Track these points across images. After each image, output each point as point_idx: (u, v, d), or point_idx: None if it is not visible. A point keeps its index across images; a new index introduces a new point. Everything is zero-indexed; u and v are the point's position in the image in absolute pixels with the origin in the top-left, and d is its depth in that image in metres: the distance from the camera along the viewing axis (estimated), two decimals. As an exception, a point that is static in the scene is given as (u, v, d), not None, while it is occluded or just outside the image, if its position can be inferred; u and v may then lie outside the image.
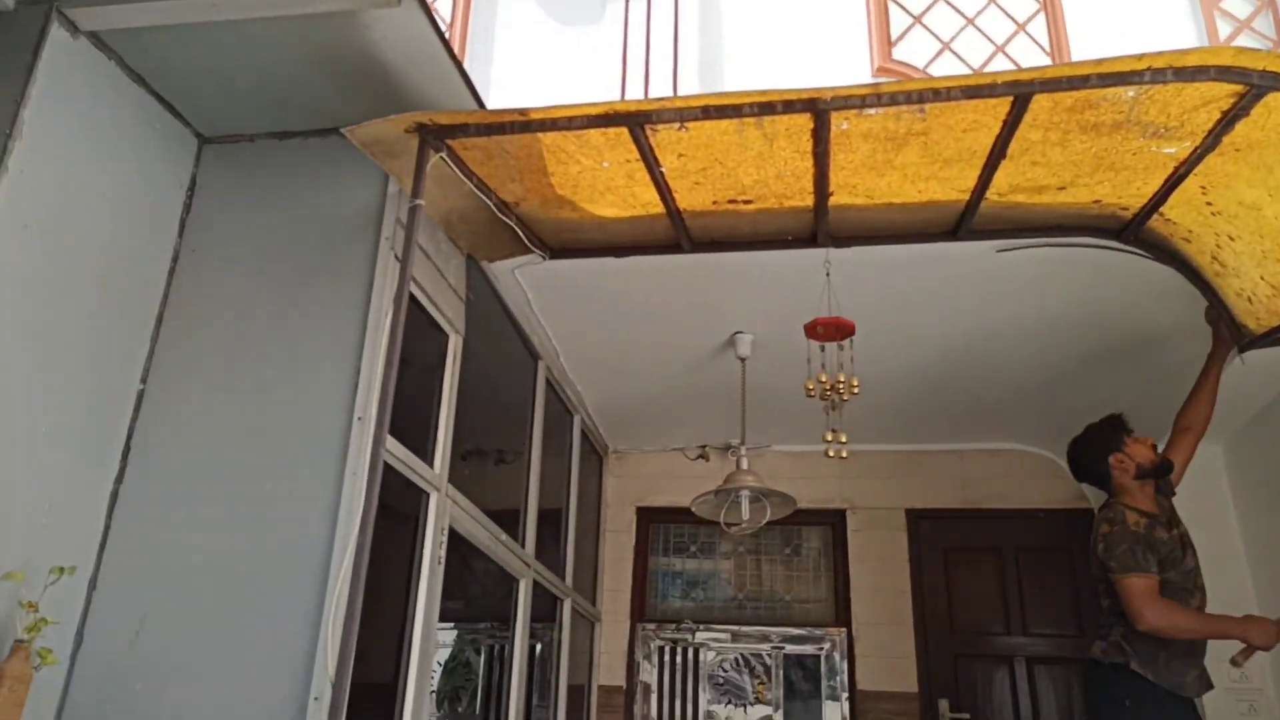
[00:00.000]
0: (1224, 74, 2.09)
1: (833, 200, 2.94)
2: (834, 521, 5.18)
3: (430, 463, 2.85)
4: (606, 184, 2.82)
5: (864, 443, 5.18)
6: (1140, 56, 2.06)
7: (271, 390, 2.56)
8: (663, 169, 2.68)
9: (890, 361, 4.28)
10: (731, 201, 2.97)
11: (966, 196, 2.91)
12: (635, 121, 2.35)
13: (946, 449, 5.16)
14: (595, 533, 5.20)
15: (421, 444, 2.86)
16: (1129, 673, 2.91)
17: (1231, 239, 2.85)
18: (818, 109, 2.27)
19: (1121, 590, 2.90)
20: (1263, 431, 3.80)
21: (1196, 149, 2.49)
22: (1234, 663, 2.95)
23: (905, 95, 2.21)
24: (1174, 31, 3.40)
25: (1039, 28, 3.32)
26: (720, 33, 3.36)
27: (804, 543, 5.27)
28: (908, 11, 3.31)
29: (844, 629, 5.00)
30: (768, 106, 2.27)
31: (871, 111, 2.34)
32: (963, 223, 3.09)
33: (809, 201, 2.96)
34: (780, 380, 4.21)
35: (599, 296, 3.84)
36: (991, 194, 2.87)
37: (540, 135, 2.48)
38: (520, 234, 3.16)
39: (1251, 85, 2.10)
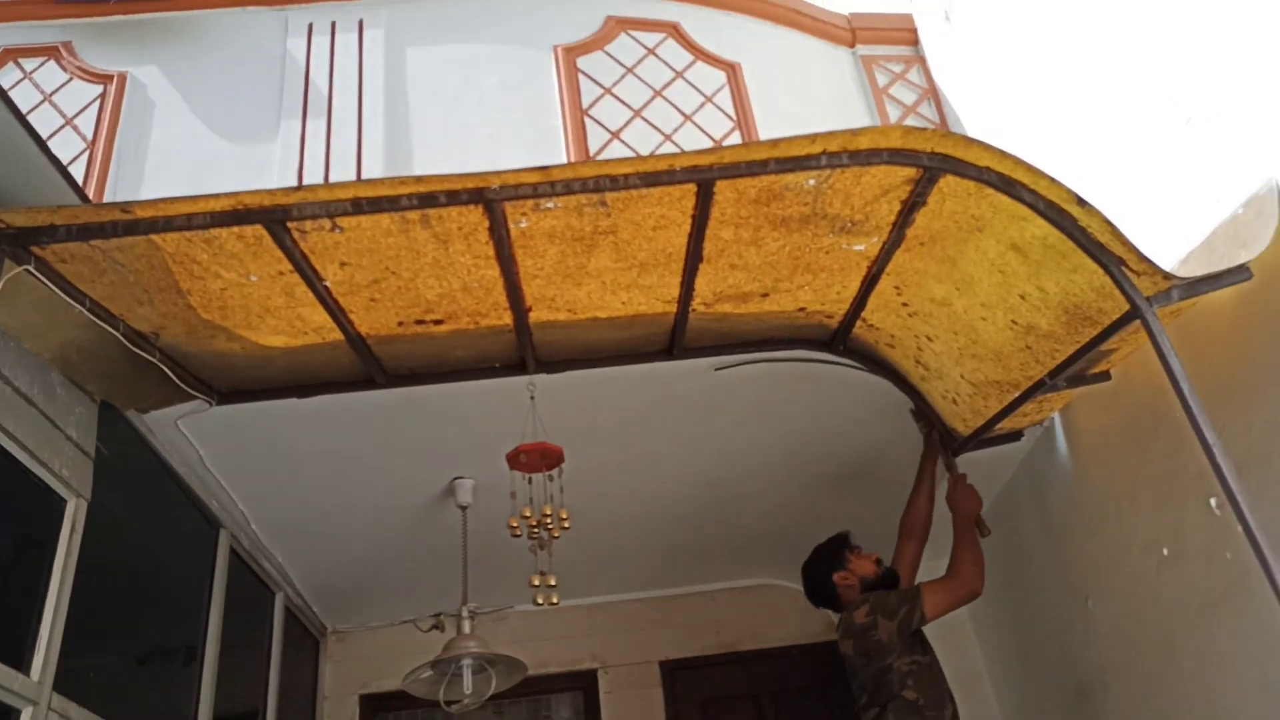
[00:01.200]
0: (896, 156, 2.04)
1: (533, 316, 2.69)
2: (585, 685, 4.72)
3: (24, 669, 2.18)
4: (263, 305, 2.40)
5: (612, 593, 4.86)
6: (814, 137, 1.98)
7: None
8: (326, 282, 2.32)
9: (626, 498, 4.02)
10: (420, 322, 2.64)
11: (673, 308, 2.75)
12: (273, 218, 1.98)
13: (697, 591, 4.90)
14: (309, 733, 4.43)
15: (15, 644, 2.19)
16: None
17: (930, 339, 2.85)
18: (486, 199, 2.01)
19: (937, 600, 2.86)
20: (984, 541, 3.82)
21: (885, 245, 2.46)
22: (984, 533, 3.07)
23: (580, 183, 2.01)
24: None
25: (736, 141, 3.36)
26: (410, 152, 3.13)
27: (554, 713, 4.75)
28: (605, 128, 3.24)
29: (605, 810, 4.47)
30: (429, 198, 1.99)
31: (550, 205, 2.11)
32: (675, 339, 2.93)
33: (507, 319, 2.69)
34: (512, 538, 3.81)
35: (291, 447, 3.33)
36: (698, 304, 2.73)
37: (159, 242, 2.05)
38: (170, 374, 2.65)
39: (923, 167, 2.07)
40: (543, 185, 2.01)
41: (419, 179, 1.94)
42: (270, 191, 1.90)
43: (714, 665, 4.75)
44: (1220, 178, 2.25)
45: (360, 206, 1.98)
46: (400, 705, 4.64)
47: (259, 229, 2.01)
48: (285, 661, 4.05)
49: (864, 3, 4.21)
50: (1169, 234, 2.44)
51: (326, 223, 2.04)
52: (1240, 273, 2.02)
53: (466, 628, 3.36)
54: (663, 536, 4.39)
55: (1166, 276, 2.01)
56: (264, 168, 2.99)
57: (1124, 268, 2.02)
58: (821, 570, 3.22)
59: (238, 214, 1.96)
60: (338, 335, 2.62)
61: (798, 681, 4.71)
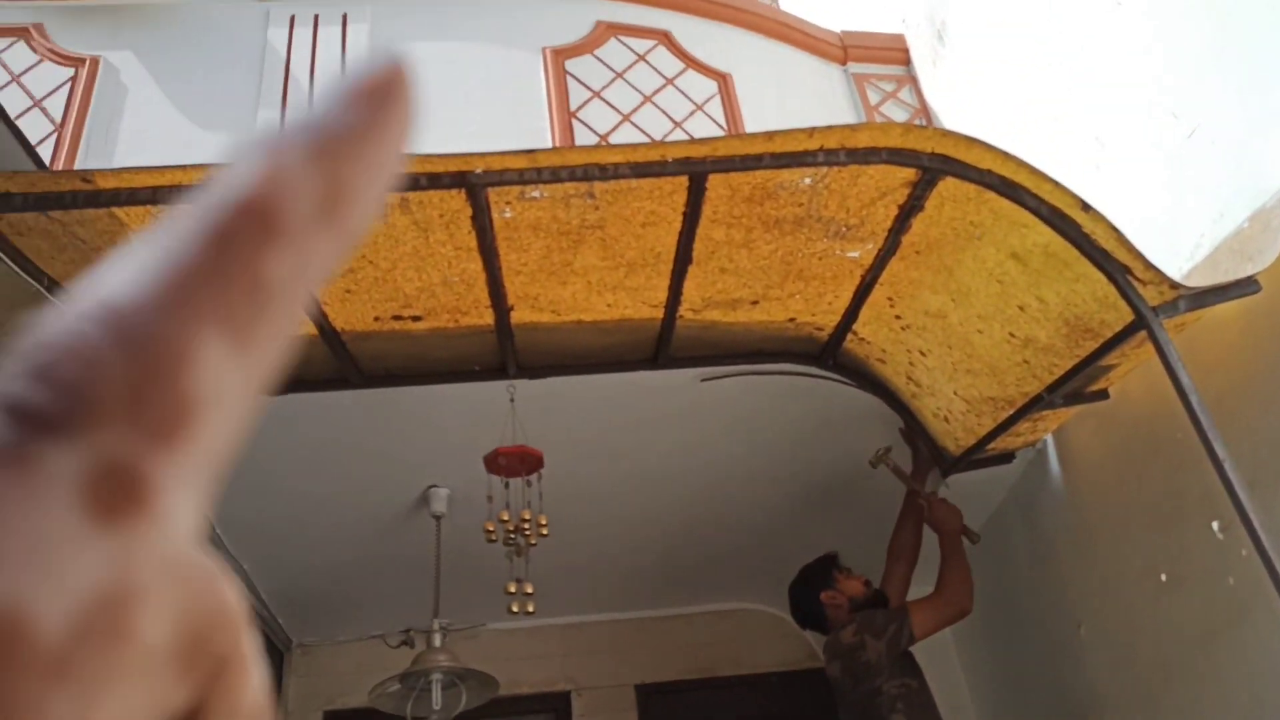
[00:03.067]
0: (895, 156, 1.98)
1: (515, 316, 2.59)
2: (558, 707, 4.58)
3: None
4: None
5: (587, 613, 4.73)
6: (811, 132, 1.91)
7: None
8: (298, 269, 2.21)
9: (605, 514, 3.91)
10: (397, 318, 2.54)
11: (660, 313, 2.66)
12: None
13: (675, 613, 4.77)
14: (270, 750, 4.25)
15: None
16: None
17: (923, 354, 2.77)
18: (469, 183, 1.93)
19: (925, 619, 2.83)
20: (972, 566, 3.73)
21: (880, 252, 2.38)
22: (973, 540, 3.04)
23: (568, 170, 1.92)
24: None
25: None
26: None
27: (525, 736, 4.60)
28: (594, 131, 3.17)
29: (577, 838, 4.31)
30: (410, 179, 1.90)
31: (535, 194, 2.03)
32: (661, 347, 2.84)
33: (489, 319, 2.59)
34: (488, 543, 3.69)
35: (256, 446, 3.19)
36: (685, 309, 2.64)
37: (122, 217, 1.95)
38: (133, 364, 2.54)
39: (923, 168, 2.00)
40: (529, 171, 1.92)
41: (399, 159, 1.85)
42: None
43: (690, 690, 4.62)
44: (1223, 192, 2.20)
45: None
46: (364, 723, 4.49)
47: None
48: (246, 675, 3.90)
49: (856, 20, 4.18)
50: (1170, 250, 2.38)
51: (300, 203, 1.94)
52: (1248, 285, 1.96)
53: (437, 641, 3.22)
54: (641, 555, 4.28)
55: (1174, 286, 1.94)
56: (242, 157, 2.89)
57: (1129, 276, 1.95)
58: (809, 590, 3.15)
59: (206, 189, 1.85)
60: (312, 329, 2.51)
61: (776, 709, 4.59)
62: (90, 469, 0.11)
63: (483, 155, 1.86)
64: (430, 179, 1.91)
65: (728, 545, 4.23)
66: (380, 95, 0.13)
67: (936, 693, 3.26)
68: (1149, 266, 1.92)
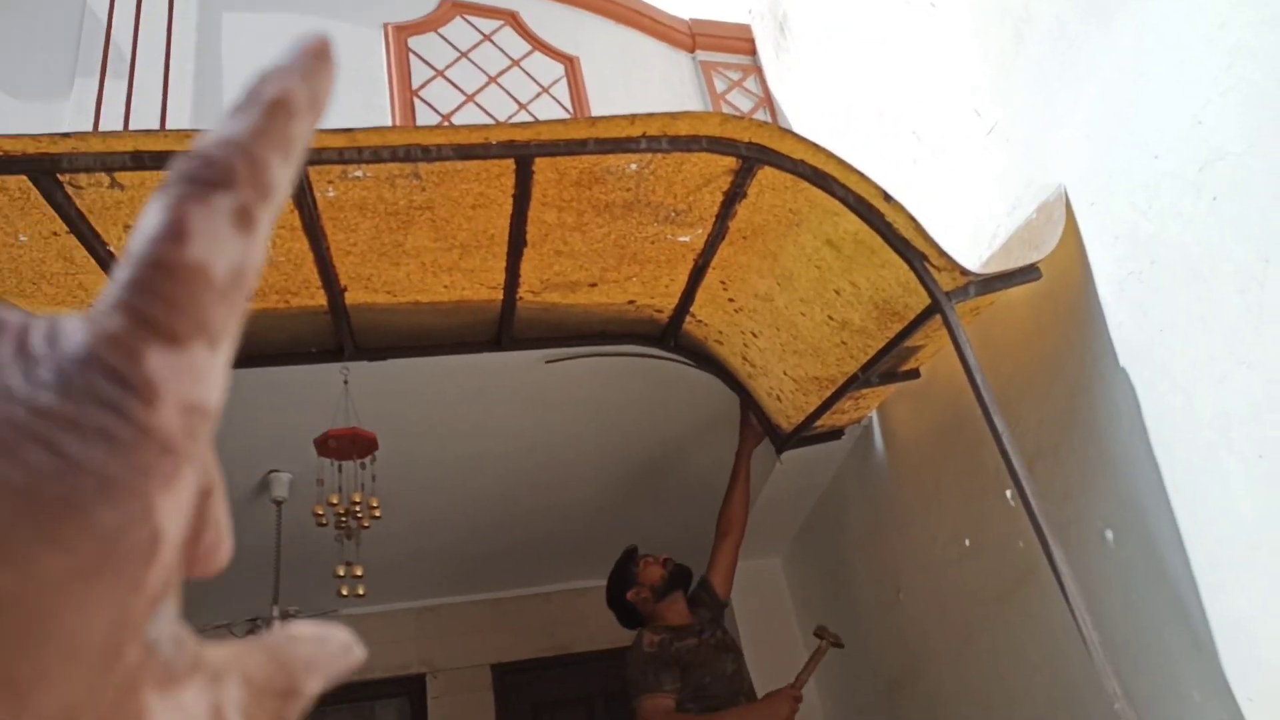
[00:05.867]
0: (715, 144, 2.05)
1: (349, 297, 2.56)
2: (412, 689, 4.56)
3: None
4: (37, 271, 2.19)
5: (442, 595, 4.72)
6: (633, 119, 1.96)
7: None
8: (110, 247, 2.13)
9: (456, 496, 3.91)
10: (223, 299, 2.47)
11: (500, 295, 2.68)
12: (39, 168, 1.80)
13: (530, 593, 4.82)
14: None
15: None
16: None
17: (755, 336, 2.88)
18: (286, 162, 1.89)
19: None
20: (810, 539, 3.92)
21: (709, 237, 2.47)
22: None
23: (390, 150, 1.91)
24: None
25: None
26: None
27: (378, 719, 4.57)
28: (436, 111, 3.14)
29: (428, 819, 4.31)
30: (222, 156, 1.85)
31: (359, 174, 2.02)
32: (504, 329, 2.86)
33: (321, 300, 2.55)
34: (318, 527, 3.63)
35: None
36: (524, 291, 2.67)
37: (-93, 188, 1.83)
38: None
39: (741, 157, 2.08)
40: (349, 150, 1.90)
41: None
42: (35, 137, 1.72)
43: (546, 668, 4.69)
44: (1016, 185, 2.37)
45: (142, 161, 1.82)
46: (208, 717, 4.35)
47: (24, 180, 1.83)
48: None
49: (704, 9, 4.28)
50: (973, 239, 2.55)
51: (104, 178, 1.87)
52: (1030, 272, 2.13)
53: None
54: (492, 536, 4.30)
55: (964, 273, 2.09)
56: (53, 127, 2.74)
57: (926, 263, 2.09)
58: (617, 595, 3.14)
59: (-2, 161, 1.76)
60: (129, 309, 2.42)
61: (629, 683, 4.69)
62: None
63: (299, 133, 1.83)
64: (245, 156, 1.87)
65: (576, 524, 4.30)
66: (322, 53, 0.23)
67: (776, 658, 3.43)
68: (943, 254, 2.06)
